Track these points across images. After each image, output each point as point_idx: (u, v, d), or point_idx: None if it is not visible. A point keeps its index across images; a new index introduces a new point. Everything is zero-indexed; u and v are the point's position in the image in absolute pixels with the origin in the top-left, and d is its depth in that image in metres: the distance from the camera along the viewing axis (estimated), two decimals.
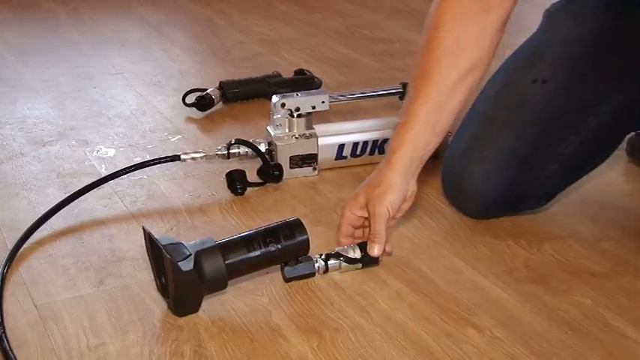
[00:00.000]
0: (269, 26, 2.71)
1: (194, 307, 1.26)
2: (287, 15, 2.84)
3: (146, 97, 2.14)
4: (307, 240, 1.29)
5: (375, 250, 1.28)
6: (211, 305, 1.25)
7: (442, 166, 1.49)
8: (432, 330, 1.16)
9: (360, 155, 1.73)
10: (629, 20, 1.44)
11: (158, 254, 1.25)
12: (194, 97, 2.03)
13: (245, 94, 2.10)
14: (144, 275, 1.33)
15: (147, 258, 1.31)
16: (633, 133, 1.73)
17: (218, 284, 1.25)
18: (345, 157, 1.74)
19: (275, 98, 1.71)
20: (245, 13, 2.85)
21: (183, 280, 1.21)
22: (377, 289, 1.26)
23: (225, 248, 1.26)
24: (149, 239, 1.26)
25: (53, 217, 1.50)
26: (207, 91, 2.04)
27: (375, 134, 1.73)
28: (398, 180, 1.29)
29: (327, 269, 1.30)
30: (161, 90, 2.19)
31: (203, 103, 2.02)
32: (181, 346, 1.16)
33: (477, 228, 1.43)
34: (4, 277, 1.33)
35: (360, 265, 1.31)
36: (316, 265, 1.30)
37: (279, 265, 1.32)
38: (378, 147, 1.71)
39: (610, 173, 1.67)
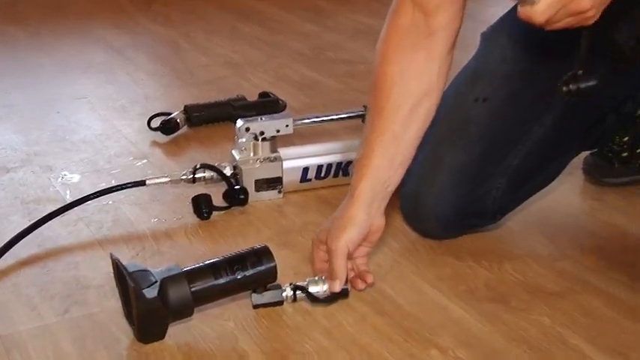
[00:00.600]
0: (233, 48, 2.73)
1: (159, 335, 1.27)
2: (250, 37, 2.86)
3: (111, 122, 2.15)
4: (275, 267, 1.30)
5: (335, 287, 1.29)
6: (178, 331, 1.25)
7: (400, 191, 1.52)
8: (396, 351, 1.18)
9: (324, 178, 1.75)
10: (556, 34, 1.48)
11: (124, 281, 1.25)
12: (159, 121, 2.04)
13: (210, 117, 2.11)
14: (110, 303, 1.33)
15: (113, 285, 1.31)
16: (589, 153, 1.79)
17: (184, 311, 1.26)
18: (310, 180, 1.76)
19: (240, 122, 1.73)
20: (209, 35, 2.87)
21: (147, 308, 1.22)
22: (342, 312, 1.28)
23: (192, 275, 1.26)
24: (116, 266, 1.27)
25: (17, 246, 1.49)
26: (172, 115, 2.06)
27: (339, 156, 1.74)
28: (360, 215, 1.31)
29: (295, 299, 1.31)
30: (126, 114, 2.19)
31: (168, 127, 2.03)
32: None
33: (439, 249, 1.45)
34: None
35: (327, 302, 1.32)
36: (284, 294, 1.31)
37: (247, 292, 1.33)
38: (343, 169, 1.73)
39: (567, 193, 1.71)
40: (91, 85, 2.40)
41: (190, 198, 1.66)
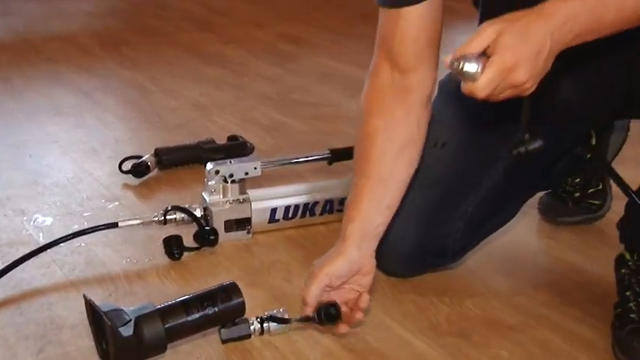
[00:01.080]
0: (200, 91, 2.74)
1: None
2: (216, 79, 2.87)
3: (82, 165, 2.15)
4: (243, 303, 1.33)
5: (305, 310, 1.31)
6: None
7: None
8: None
9: (292, 218, 1.77)
10: None
11: (99, 320, 1.27)
12: (130, 164, 2.06)
13: (180, 160, 2.13)
14: (84, 342, 1.35)
15: (87, 324, 1.33)
16: (544, 194, 1.84)
17: (158, 348, 1.28)
18: (278, 220, 1.78)
19: (209, 166, 1.75)
20: (175, 79, 2.88)
21: (123, 346, 1.24)
22: (310, 348, 1.31)
23: (165, 313, 1.29)
24: (90, 306, 1.28)
25: None
26: (143, 158, 2.07)
27: (306, 197, 1.78)
28: (350, 251, 1.33)
29: (262, 331, 1.34)
30: (96, 157, 2.20)
31: (139, 169, 2.04)
32: None
33: (403, 286, 1.49)
34: None
35: (288, 324, 1.34)
36: (252, 327, 1.33)
37: (216, 327, 1.35)
38: (309, 209, 1.76)
39: (524, 232, 1.75)
40: (61, 128, 2.41)
41: (162, 239, 1.67)
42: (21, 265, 1.58)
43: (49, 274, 1.60)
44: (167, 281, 1.55)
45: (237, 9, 3.95)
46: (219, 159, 1.82)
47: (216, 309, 1.33)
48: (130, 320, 1.27)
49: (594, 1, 1.20)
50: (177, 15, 3.83)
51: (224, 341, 1.37)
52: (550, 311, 1.47)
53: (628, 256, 1.42)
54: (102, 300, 1.46)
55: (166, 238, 1.68)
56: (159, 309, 1.30)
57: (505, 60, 1.12)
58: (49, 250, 1.65)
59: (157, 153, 2.10)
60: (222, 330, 1.34)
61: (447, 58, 1.14)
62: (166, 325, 1.28)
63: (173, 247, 1.67)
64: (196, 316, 1.32)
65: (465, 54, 1.12)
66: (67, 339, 1.37)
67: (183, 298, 1.34)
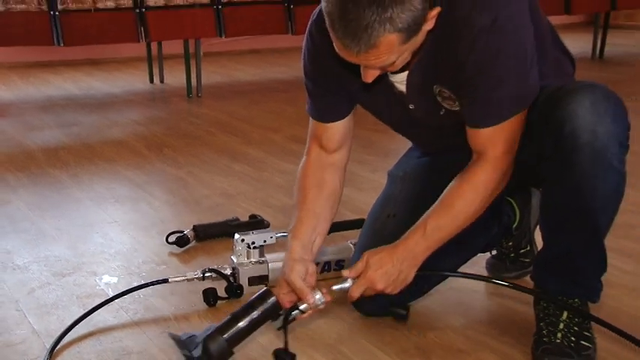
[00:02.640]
0: (227, 182, 2.79)
1: None
2: (240, 173, 2.91)
3: (137, 239, 2.25)
4: (277, 300, 1.46)
5: (309, 300, 1.46)
6: None
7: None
8: None
9: None
10: (441, 159, 1.71)
11: (180, 346, 1.45)
12: (174, 237, 2.15)
13: (213, 234, 2.20)
14: (165, 357, 1.54)
15: (150, 352, 1.55)
16: (489, 256, 1.94)
17: (224, 356, 1.42)
18: None
19: (237, 236, 1.86)
20: (208, 173, 2.91)
21: None
22: None
23: (222, 328, 1.43)
24: (173, 338, 1.47)
25: (77, 327, 1.67)
26: (184, 232, 2.16)
27: None
28: (297, 260, 1.50)
29: (287, 319, 1.46)
30: (148, 233, 2.29)
31: (181, 241, 2.14)
32: None
33: (383, 323, 1.65)
34: None
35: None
36: (293, 314, 1.47)
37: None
38: None
39: (475, 283, 1.83)
40: (119, 212, 2.50)
41: (201, 291, 1.79)
42: (97, 311, 1.73)
43: (118, 317, 1.74)
44: (205, 322, 1.66)
45: (256, 117, 3.98)
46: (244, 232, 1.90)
47: (259, 311, 1.46)
48: (199, 343, 1.41)
49: (441, 234, 1.48)
50: (208, 122, 3.86)
51: (279, 329, 1.48)
52: (491, 339, 1.62)
53: (540, 297, 1.56)
54: (157, 336, 1.63)
55: (205, 290, 1.79)
56: (217, 327, 1.43)
57: (366, 280, 1.45)
58: (117, 300, 1.79)
59: (195, 228, 2.18)
60: (274, 323, 1.48)
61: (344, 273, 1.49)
62: (225, 337, 1.42)
63: (210, 297, 1.78)
64: (246, 322, 1.45)
65: (346, 277, 1.47)
66: (143, 357, 1.55)
67: (234, 312, 1.46)
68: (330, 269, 1.92)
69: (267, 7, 4.50)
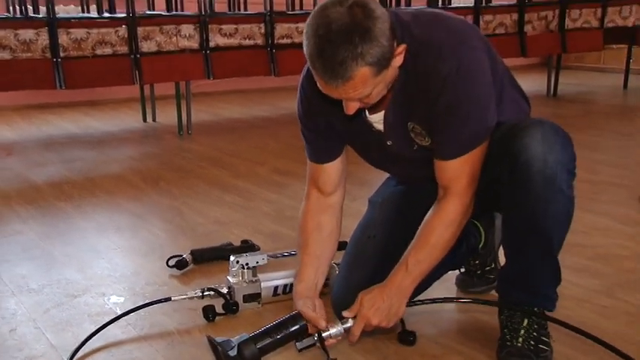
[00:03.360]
0: (220, 212, 2.81)
1: None
2: (232, 203, 2.93)
3: (139, 263, 2.29)
4: (306, 324, 1.54)
5: (322, 325, 1.55)
6: None
7: (332, 297, 1.78)
8: None
9: (289, 292, 1.90)
10: (413, 188, 1.79)
11: (216, 349, 1.51)
12: (174, 261, 2.19)
13: (209, 257, 2.24)
14: None
15: (167, 356, 1.62)
16: (458, 272, 2.01)
17: None
18: (279, 294, 1.95)
19: (232, 257, 1.92)
20: (201, 203, 2.94)
21: None
22: None
23: (256, 338, 1.52)
24: (210, 341, 1.53)
25: (89, 342, 1.72)
26: (183, 256, 2.20)
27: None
28: (304, 299, 1.59)
29: (322, 342, 1.54)
30: (149, 258, 2.32)
31: (180, 264, 2.18)
32: None
33: (365, 335, 1.62)
34: None
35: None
36: (314, 339, 1.54)
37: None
38: None
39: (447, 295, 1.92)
40: (121, 239, 2.53)
41: (201, 308, 1.85)
42: (108, 327, 1.78)
43: (126, 332, 1.80)
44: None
45: (242, 151, 4.00)
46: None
47: (288, 330, 1.55)
48: (234, 346, 1.50)
49: (421, 267, 1.56)
50: (198, 156, 3.87)
51: (300, 350, 1.56)
52: (460, 345, 1.71)
53: (503, 306, 1.66)
54: (163, 349, 1.70)
55: (204, 307, 1.84)
56: (252, 336, 1.52)
57: (362, 319, 1.52)
58: (125, 317, 1.84)
59: (193, 253, 2.22)
60: (297, 343, 1.55)
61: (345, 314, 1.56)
62: (258, 346, 1.51)
63: (209, 313, 1.84)
64: (277, 337, 1.53)
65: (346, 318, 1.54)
66: None
67: (267, 326, 1.55)
68: (285, 291, 1.98)
69: (251, 51, 4.52)
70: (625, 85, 6.10)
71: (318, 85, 1.42)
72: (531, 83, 6.56)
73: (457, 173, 1.52)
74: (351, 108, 1.45)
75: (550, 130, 1.48)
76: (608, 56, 7.18)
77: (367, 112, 1.58)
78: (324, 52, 1.33)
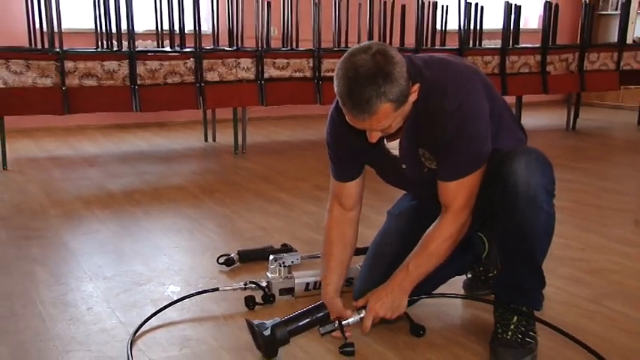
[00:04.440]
0: (264, 220, 2.88)
1: (274, 354, 1.62)
2: (275, 213, 3.00)
3: (194, 259, 2.38)
4: (328, 313, 1.64)
5: (347, 316, 1.65)
6: (281, 350, 1.63)
7: (354, 291, 1.88)
8: None
9: (318, 288, 1.97)
10: (424, 203, 1.87)
11: (253, 329, 1.61)
12: (223, 259, 2.27)
13: (253, 257, 2.32)
14: (209, 346, 1.68)
15: (204, 338, 1.70)
16: (465, 277, 2.07)
17: (284, 341, 1.62)
18: (310, 289, 2.03)
19: (271, 257, 2.02)
20: (249, 212, 3.01)
21: (265, 340, 1.60)
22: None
23: (287, 322, 1.63)
24: (248, 323, 1.63)
25: (151, 320, 1.84)
26: (231, 255, 2.28)
27: None
28: (333, 298, 1.71)
29: (342, 328, 1.64)
30: (203, 256, 2.41)
31: (228, 262, 2.26)
32: None
33: (379, 328, 1.73)
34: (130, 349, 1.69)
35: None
36: (335, 325, 1.63)
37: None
38: None
39: (455, 300, 1.99)
40: (181, 239, 2.62)
41: (243, 298, 1.95)
42: (165, 310, 1.90)
43: (181, 315, 1.91)
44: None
45: (288, 169, 4.04)
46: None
47: (314, 317, 1.64)
48: (268, 327, 1.60)
49: (420, 270, 1.64)
50: (250, 173, 3.93)
51: (322, 334, 1.65)
52: (461, 337, 1.79)
53: (497, 305, 1.73)
54: (212, 328, 1.80)
55: (246, 297, 1.94)
56: (283, 321, 1.61)
57: (371, 312, 1.60)
58: (180, 303, 1.95)
59: (239, 253, 2.31)
60: (320, 328, 1.64)
61: (354, 304, 1.64)
62: (288, 329, 1.61)
63: (250, 302, 1.93)
64: (303, 322, 1.63)
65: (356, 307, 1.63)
66: (199, 343, 1.72)
67: (297, 313, 1.63)
68: (316, 287, 2.05)
69: (300, 82, 4.64)
70: (639, 122, 6.06)
71: (347, 118, 1.53)
72: (553, 118, 6.60)
73: (455, 194, 1.61)
74: (374, 137, 1.56)
75: (534, 158, 1.57)
76: (626, 95, 7.14)
77: (385, 140, 1.69)
78: (353, 92, 1.44)
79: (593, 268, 2.36)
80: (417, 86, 1.52)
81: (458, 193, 1.61)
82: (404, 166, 1.71)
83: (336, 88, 1.49)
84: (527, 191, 1.54)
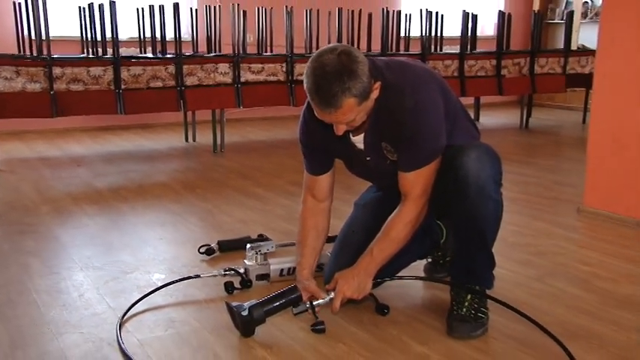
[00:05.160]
0: (242, 212, 2.89)
1: (251, 333, 1.65)
2: (252, 207, 3.01)
3: (178, 250, 2.40)
4: (300, 294, 1.67)
5: (321, 297, 1.67)
6: (258, 329, 1.66)
7: (324, 275, 1.90)
8: None
9: (292, 274, 1.99)
10: (387, 194, 1.89)
11: (232, 310, 1.64)
12: (204, 249, 2.28)
13: (232, 246, 2.33)
14: (191, 327, 1.71)
15: (187, 320, 1.72)
16: (426, 262, 2.12)
17: (260, 321, 1.65)
18: (284, 275, 2.05)
19: (249, 245, 2.06)
20: (229, 206, 3.00)
21: (243, 320, 1.62)
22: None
23: (263, 303, 1.65)
24: (227, 305, 1.66)
25: (138, 304, 1.86)
26: (211, 245, 2.30)
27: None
28: (307, 280, 1.73)
29: (313, 309, 1.67)
30: (185, 247, 2.42)
31: (209, 251, 2.28)
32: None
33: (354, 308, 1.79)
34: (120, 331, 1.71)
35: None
36: (307, 306, 1.67)
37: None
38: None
39: (417, 283, 2.04)
40: (165, 232, 2.63)
41: (223, 283, 1.97)
42: (151, 295, 1.92)
43: (166, 300, 1.92)
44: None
45: (264, 166, 4.05)
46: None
47: (288, 298, 1.66)
48: (246, 308, 1.63)
49: (383, 254, 1.67)
50: (228, 170, 3.92)
51: (295, 314, 1.67)
52: (421, 315, 1.84)
53: (453, 285, 1.79)
54: (195, 311, 1.82)
55: (225, 282, 1.96)
56: (259, 302, 1.64)
57: (339, 293, 1.63)
58: (164, 288, 1.97)
59: (219, 243, 2.32)
60: (293, 309, 1.67)
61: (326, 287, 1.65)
62: (264, 310, 1.63)
63: (229, 288, 1.95)
64: (278, 303, 1.66)
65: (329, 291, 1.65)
66: (182, 324, 1.74)
67: (272, 295, 1.66)
68: (290, 273, 2.07)
69: (274, 85, 4.65)
70: (584, 121, 6.20)
71: (315, 112, 1.57)
72: (508, 117, 6.71)
73: (413, 183, 1.67)
74: (340, 130, 1.61)
75: (483, 152, 1.64)
76: (573, 97, 7.30)
77: (351, 135, 1.74)
78: (321, 87, 1.49)
79: (540, 252, 2.44)
80: (378, 84, 1.57)
81: (416, 183, 1.66)
82: (368, 159, 1.75)
83: (305, 85, 1.53)
84: (477, 182, 1.60)
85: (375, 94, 1.57)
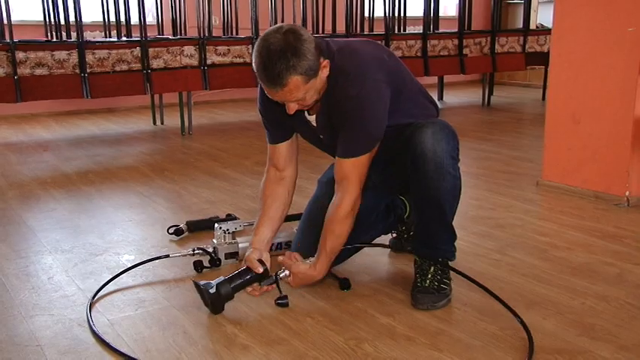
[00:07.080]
0: (211, 194, 2.89)
1: (220, 309, 1.65)
2: (220, 187, 2.97)
3: (146, 232, 2.39)
4: (267, 269, 1.68)
5: (259, 270, 1.67)
6: (227, 305, 1.66)
7: (291, 249, 1.88)
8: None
9: None
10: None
11: (200, 289, 1.64)
12: (173, 229, 2.28)
13: (200, 226, 2.34)
14: (163, 305, 1.71)
15: (159, 299, 1.72)
16: (391, 237, 2.13)
17: (228, 297, 1.65)
18: None
19: (217, 225, 2.04)
20: (197, 188, 3.00)
21: (211, 297, 1.62)
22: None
23: (230, 279, 1.65)
24: (195, 284, 1.66)
25: (108, 285, 1.86)
26: (180, 226, 2.30)
27: None
28: (259, 251, 1.72)
29: (277, 282, 1.69)
30: (154, 227, 2.42)
31: (178, 232, 2.27)
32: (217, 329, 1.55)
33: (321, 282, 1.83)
34: (90, 311, 1.70)
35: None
36: (272, 278, 1.67)
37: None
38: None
39: (381, 255, 2.08)
40: (133, 214, 2.61)
41: (192, 262, 1.97)
42: (121, 276, 1.92)
43: (135, 280, 1.92)
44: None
45: (231, 148, 4.04)
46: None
47: (252, 275, 1.67)
48: (213, 286, 1.62)
49: (334, 250, 1.67)
50: (196, 152, 3.91)
51: (261, 286, 1.68)
52: (386, 288, 1.85)
53: (416, 258, 1.82)
54: (165, 291, 1.82)
55: (194, 262, 1.96)
56: (227, 279, 1.65)
57: (294, 285, 1.65)
58: (134, 269, 1.97)
59: (187, 223, 2.33)
60: (261, 283, 1.68)
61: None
62: (232, 285, 1.64)
63: (198, 266, 1.95)
64: (245, 278, 1.66)
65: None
66: (152, 304, 1.73)
67: (238, 271, 1.66)
68: (281, 248, 2.07)
69: (240, 67, 4.63)
70: (543, 98, 6.31)
71: (266, 92, 1.57)
72: (470, 95, 6.80)
73: (348, 172, 1.64)
74: (291, 109, 1.59)
75: (439, 127, 1.64)
76: (533, 75, 7.42)
77: (307, 113, 1.74)
78: (267, 67, 1.48)
79: (500, 224, 2.49)
80: (326, 62, 1.55)
81: (351, 171, 1.64)
82: (322, 136, 1.76)
83: (253, 65, 1.53)
84: (434, 158, 1.61)
85: (324, 72, 1.56)
